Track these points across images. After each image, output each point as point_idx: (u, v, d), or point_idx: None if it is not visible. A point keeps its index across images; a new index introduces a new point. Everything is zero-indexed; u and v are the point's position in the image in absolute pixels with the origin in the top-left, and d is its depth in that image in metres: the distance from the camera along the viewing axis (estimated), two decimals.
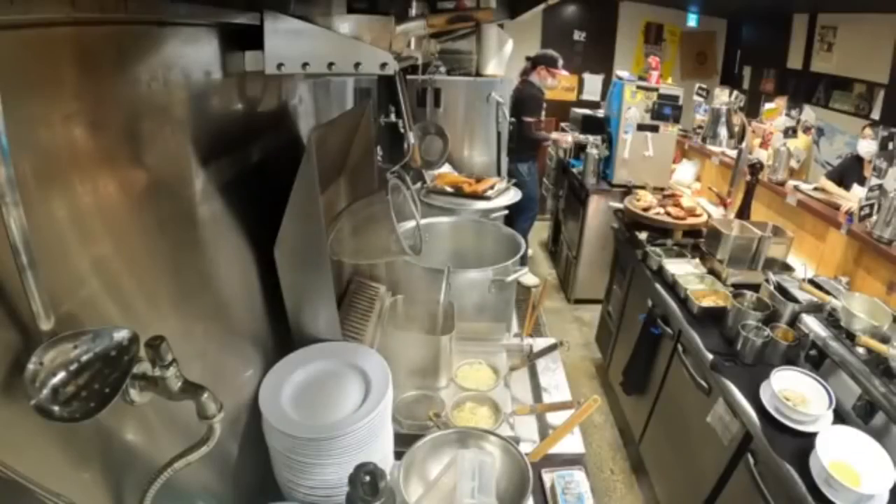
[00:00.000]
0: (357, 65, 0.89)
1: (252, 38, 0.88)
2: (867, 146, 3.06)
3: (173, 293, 0.81)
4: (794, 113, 3.68)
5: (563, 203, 4.57)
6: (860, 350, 1.67)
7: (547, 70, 3.83)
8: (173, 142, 0.81)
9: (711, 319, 2.06)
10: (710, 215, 2.95)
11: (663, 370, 2.30)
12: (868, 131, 3.18)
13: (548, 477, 1.22)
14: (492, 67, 3.22)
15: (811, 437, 1.44)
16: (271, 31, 0.86)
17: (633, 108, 3.61)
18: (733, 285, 2.24)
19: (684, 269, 2.41)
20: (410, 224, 1.52)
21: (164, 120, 0.77)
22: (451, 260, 1.87)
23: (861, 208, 2.33)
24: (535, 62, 3.86)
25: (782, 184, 3.09)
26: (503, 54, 3.24)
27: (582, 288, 4.06)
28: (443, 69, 3.06)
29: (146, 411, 0.69)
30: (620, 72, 3.98)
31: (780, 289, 2.06)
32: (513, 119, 3.44)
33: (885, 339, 1.66)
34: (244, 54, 0.92)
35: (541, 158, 4.46)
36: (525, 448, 1.21)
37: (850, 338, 1.73)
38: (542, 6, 1.51)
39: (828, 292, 2.05)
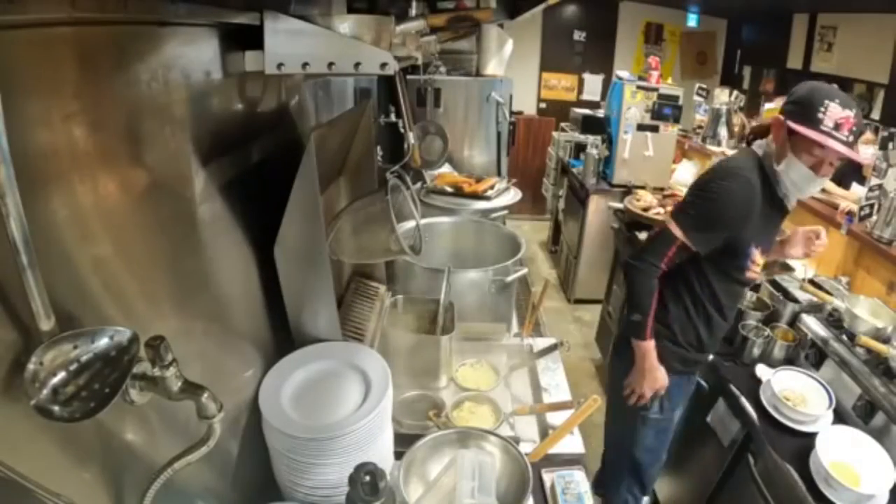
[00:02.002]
0: (357, 65, 0.88)
1: (252, 38, 0.88)
2: (868, 151, 3.04)
3: (173, 293, 0.81)
4: None
5: (563, 203, 4.57)
6: (860, 350, 1.67)
7: (803, 136, 1.35)
8: (173, 142, 0.81)
9: None
10: None
11: None
12: (869, 135, 3.16)
13: (548, 477, 1.22)
14: (492, 67, 3.22)
15: (811, 437, 1.44)
16: (271, 31, 0.86)
17: (633, 108, 3.61)
18: None
19: None
20: (410, 224, 1.52)
21: (164, 120, 0.77)
22: (451, 260, 1.87)
23: (861, 208, 2.32)
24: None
25: None
26: (503, 54, 3.24)
27: (582, 288, 4.06)
28: (443, 69, 3.06)
29: (146, 411, 0.69)
30: (620, 72, 3.98)
31: (780, 289, 2.06)
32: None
33: (885, 340, 1.66)
34: (244, 54, 0.92)
35: None
36: (525, 448, 1.21)
37: (849, 338, 1.73)
38: (542, 6, 1.51)
39: (828, 292, 2.05)
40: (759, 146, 1.49)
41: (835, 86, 1.37)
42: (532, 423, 1.42)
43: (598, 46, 6.07)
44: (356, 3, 0.97)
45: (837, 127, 1.30)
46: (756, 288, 2.11)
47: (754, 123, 3.79)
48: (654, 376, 1.57)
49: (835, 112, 1.30)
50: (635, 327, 1.54)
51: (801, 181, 1.41)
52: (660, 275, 1.49)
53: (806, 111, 1.34)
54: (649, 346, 1.55)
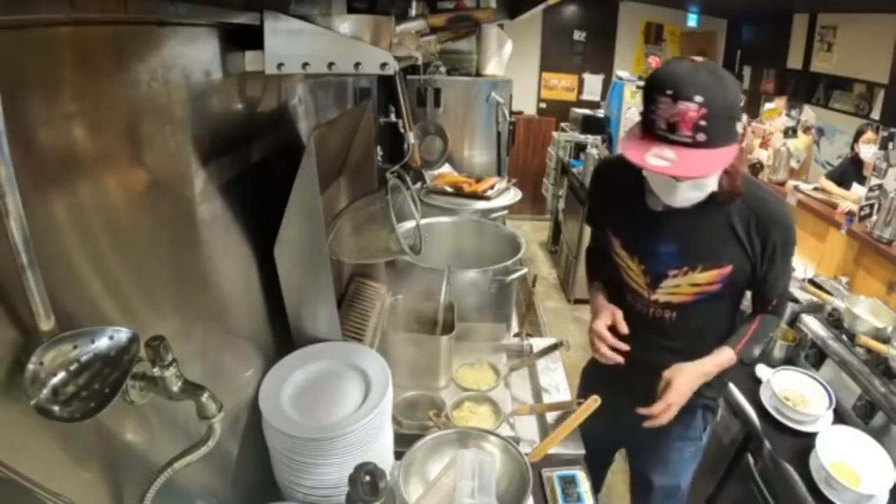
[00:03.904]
0: (357, 65, 0.89)
1: (252, 38, 0.88)
2: (870, 151, 3.04)
3: (173, 293, 0.81)
4: (793, 113, 3.68)
5: (563, 203, 4.57)
6: (860, 350, 1.67)
7: None
8: (173, 142, 0.81)
9: None
10: None
11: None
12: (870, 135, 3.16)
13: (548, 477, 1.22)
14: (492, 67, 3.22)
15: (811, 437, 1.44)
16: (271, 31, 0.86)
17: (633, 108, 3.61)
18: None
19: None
20: (410, 224, 1.52)
21: (164, 120, 0.77)
22: (451, 260, 1.87)
23: (861, 208, 2.33)
24: None
25: (782, 184, 3.10)
26: (503, 54, 3.24)
27: (582, 288, 4.05)
28: (443, 69, 3.06)
29: (146, 411, 0.69)
30: (620, 72, 3.99)
31: None
32: None
33: (885, 340, 1.66)
34: (244, 54, 0.92)
35: None
36: (525, 448, 1.21)
37: (849, 338, 1.73)
38: (542, 6, 1.50)
39: (828, 292, 2.05)
40: None
41: (694, 63, 1.02)
42: (532, 423, 1.42)
43: (598, 46, 6.07)
44: (356, 3, 0.97)
45: (672, 128, 1.00)
46: None
47: (755, 124, 3.79)
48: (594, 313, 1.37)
49: (665, 108, 0.99)
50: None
51: (655, 185, 1.16)
52: (590, 251, 1.54)
53: (643, 101, 1.07)
54: (592, 288, 1.45)
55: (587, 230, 3.86)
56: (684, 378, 1.21)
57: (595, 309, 1.38)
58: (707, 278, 1.22)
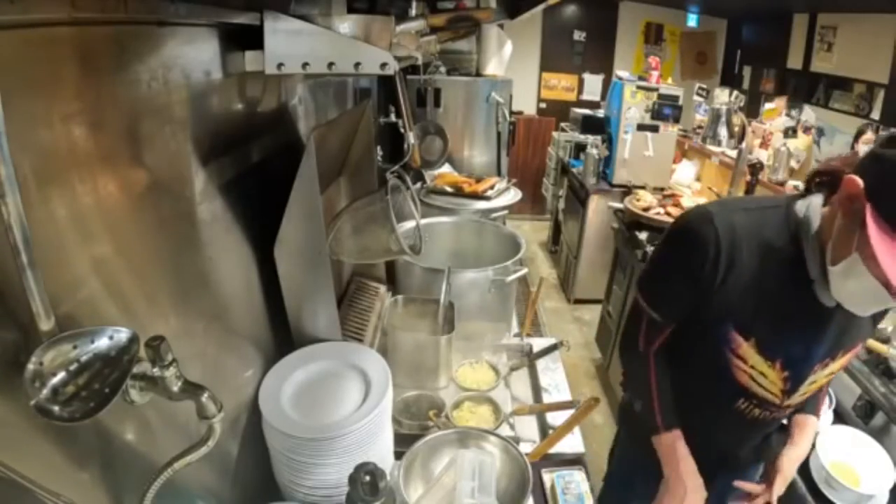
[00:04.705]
0: (357, 65, 0.89)
1: (252, 38, 0.88)
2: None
3: (173, 293, 0.81)
4: (794, 113, 3.68)
5: (563, 203, 4.57)
6: (860, 350, 1.67)
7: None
8: (173, 142, 0.81)
9: None
10: None
11: None
12: (870, 135, 3.16)
13: (548, 477, 1.22)
14: (492, 67, 3.22)
15: None
16: (271, 31, 0.87)
17: (633, 108, 3.61)
18: None
19: None
20: (410, 224, 1.53)
21: (164, 120, 0.77)
22: (451, 260, 1.87)
23: None
24: None
25: (782, 184, 3.10)
26: (503, 54, 3.24)
27: (582, 288, 4.06)
28: (443, 69, 3.06)
29: (146, 411, 0.69)
30: (620, 72, 3.98)
31: None
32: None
33: (885, 340, 1.66)
34: (244, 54, 0.92)
35: None
36: (525, 448, 1.21)
37: None
38: (542, 6, 1.51)
39: None
40: (807, 209, 0.91)
41: None
42: (532, 423, 1.42)
43: (598, 46, 6.06)
44: (356, 3, 0.97)
45: None
46: None
47: (755, 124, 3.78)
48: (680, 492, 1.05)
49: None
50: (643, 420, 1.14)
51: (860, 296, 0.84)
52: (649, 354, 1.12)
53: None
54: (668, 442, 1.08)
55: (587, 229, 3.91)
56: (794, 468, 1.13)
57: (681, 483, 1.05)
58: (842, 364, 1.03)
